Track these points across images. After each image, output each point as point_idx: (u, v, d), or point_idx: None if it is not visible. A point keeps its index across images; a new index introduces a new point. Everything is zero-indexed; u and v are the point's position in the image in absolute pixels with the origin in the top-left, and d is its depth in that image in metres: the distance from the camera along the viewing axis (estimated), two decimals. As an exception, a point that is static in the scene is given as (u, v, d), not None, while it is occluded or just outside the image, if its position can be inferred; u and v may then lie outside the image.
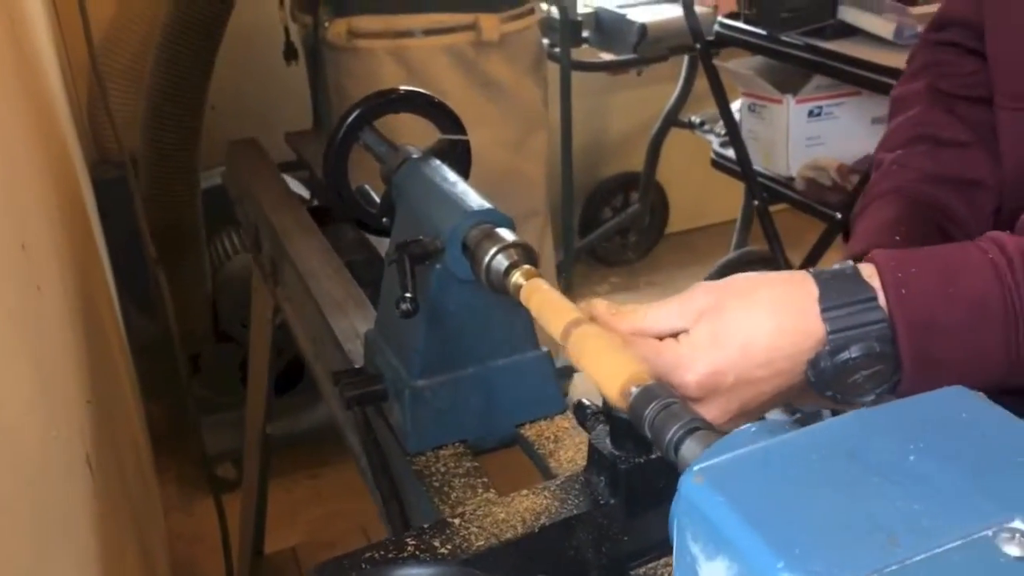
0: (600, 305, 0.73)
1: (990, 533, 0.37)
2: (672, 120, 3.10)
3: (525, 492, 0.77)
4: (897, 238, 0.85)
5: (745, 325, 0.69)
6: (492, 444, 0.92)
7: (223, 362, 2.40)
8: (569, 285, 2.96)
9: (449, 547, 0.71)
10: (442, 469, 0.86)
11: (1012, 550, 0.37)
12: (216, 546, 1.79)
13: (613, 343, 0.65)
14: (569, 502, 0.76)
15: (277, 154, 1.88)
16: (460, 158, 1.00)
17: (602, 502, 0.75)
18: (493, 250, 0.78)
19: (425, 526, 0.74)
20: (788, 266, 2.41)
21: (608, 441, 0.75)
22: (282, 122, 2.24)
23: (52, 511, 0.77)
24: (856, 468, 0.40)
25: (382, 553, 0.71)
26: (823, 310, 0.68)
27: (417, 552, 0.71)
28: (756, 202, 2.50)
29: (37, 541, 0.70)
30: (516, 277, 0.75)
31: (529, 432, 0.91)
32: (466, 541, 0.72)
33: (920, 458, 0.41)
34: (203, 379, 2.39)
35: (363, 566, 0.70)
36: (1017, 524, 0.37)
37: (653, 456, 0.75)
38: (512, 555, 0.72)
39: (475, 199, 0.84)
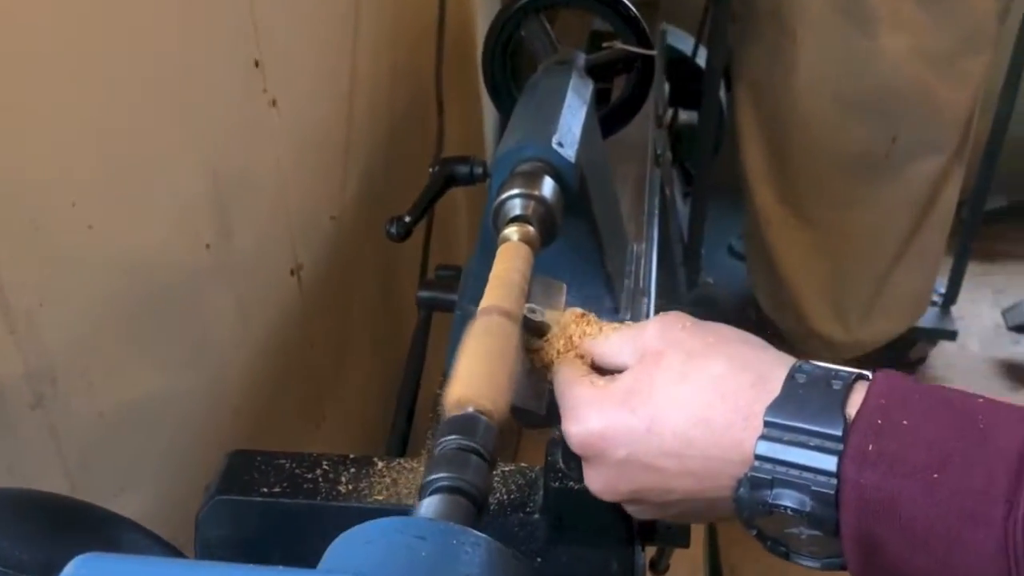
0: (572, 315, 0.59)
1: None
2: None
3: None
4: None
5: (671, 395, 0.51)
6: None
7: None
8: (964, 253, 2.15)
9: (351, 487, 0.67)
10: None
11: None
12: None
13: (492, 352, 0.53)
14: (499, 492, 0.66)
15: None
16: (640, 76, 0.86)
17: (529, 510, 0.65)
18: (514, 191, 0.67)
19: (351, 456, 0.69)
20: None
21: (560, 453, 0.64)
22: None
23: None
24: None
25: (293, 464, 0.69)
26: (765, 423, 0.48)
27: (321, 480, 0.67)
28: None
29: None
30: (510, 230, 0.65)
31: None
32: (368, 489, 0.67)
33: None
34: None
35: (264, 467, 0.68)
36: None
37: (594, 486, 0.63)
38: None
39: (557, 130, 0.72)
